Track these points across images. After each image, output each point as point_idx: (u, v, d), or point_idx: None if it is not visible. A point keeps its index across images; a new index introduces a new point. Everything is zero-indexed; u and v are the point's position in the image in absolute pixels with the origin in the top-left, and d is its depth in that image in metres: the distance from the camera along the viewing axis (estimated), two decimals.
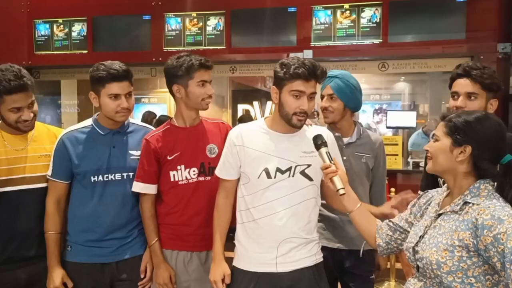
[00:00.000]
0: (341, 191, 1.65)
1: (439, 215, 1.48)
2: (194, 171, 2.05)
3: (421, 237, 1.49)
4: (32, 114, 1.99)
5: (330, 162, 1.69)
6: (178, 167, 2.04)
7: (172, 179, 2.05)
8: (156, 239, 2.06)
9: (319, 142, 1.75)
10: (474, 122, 1.42)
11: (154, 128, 2.19)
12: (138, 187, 2.05)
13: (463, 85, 1.87)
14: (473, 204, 1.38)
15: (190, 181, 2.05)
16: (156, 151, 2.04)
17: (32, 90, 1.98)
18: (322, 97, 2.24)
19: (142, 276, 2.10)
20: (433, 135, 1.54)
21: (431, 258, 1.39)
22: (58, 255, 2.03)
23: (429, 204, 1.58)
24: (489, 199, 1.37)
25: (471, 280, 1.34)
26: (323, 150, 1.73)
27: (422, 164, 3.85)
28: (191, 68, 2.00)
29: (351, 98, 2.21)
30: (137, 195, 2.09)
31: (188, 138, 2.07)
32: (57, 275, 2.00)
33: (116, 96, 1.98)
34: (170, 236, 2.08)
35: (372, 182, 2.28)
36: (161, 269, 2.04)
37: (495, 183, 1.42)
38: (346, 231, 2.22)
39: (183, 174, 2.04)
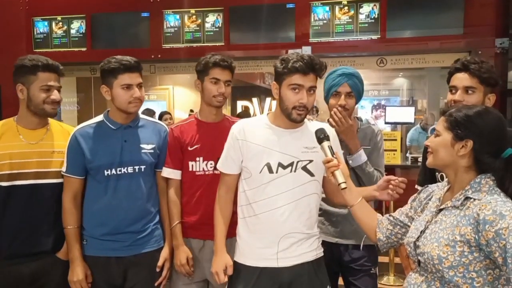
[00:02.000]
0: (343, 185, 1.67)
1: (440, 210, 1.48)
2: (211, 164, 2.16)
3: (422, 232, 1.49)
4: (60, 97, 2.07)
5: (332, 156, 1.70)
6: (197, 159, 2.17)
7: (190, 169, 2.17)
8: (177, 222, 2.16)
9: (321, 136, 1.76)
10: (475, 116, 1.41)
11: (163, 124, 2.30)
12: (165, 172, 2.18)
13: (461, 79, 1.88)
14: (475, 199, 1.38)
15: (207, 172, 2.16)
16: (178, 140, 2.18)
17: (60, 77, 2.11)
18: (336, 94, 2.21)
19: (158, 270, 2.13)
20: (433, 129, 1.54)
21: (433, 253, 1.39)
22: (80, 248, 2.06)
23: (429, 199, 1.59)
24: (490, 194, 1.37)
25: (472, 274, 1.34)
26: (325, 144, 1.74)
27: (420, 159, 3.87)
28: (207, 65, 2.13)
29: (361, 96, 2.27)
30: (150, 189, 2.15)
31: (209, 133, 2.19)
32: (80, 269, 2.03)
33: (128, 87, 2.04)
34: (184, 224, 2.18)
35: None
36: (179, 251, 2.13)
37: (496, 178, 1.42)
38: (345, 226, 2.23)
39: (200, 166, 2.16)
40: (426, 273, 1.46)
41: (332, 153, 1.71)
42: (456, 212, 1.41)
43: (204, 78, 2.15)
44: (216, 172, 2.11)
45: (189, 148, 2.17)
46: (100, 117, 2.14)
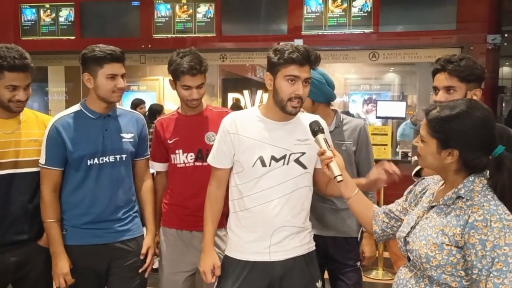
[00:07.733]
0: (339, 178, 1.63)
1: (432, 206, 1.46)
2: (191, 156, 2.16)
3: (413, 227, 1.47)
4: (26, 96, 2.00)
5: (327, 149, 1.67)
6: (177, 151, 2.18)
7: (172, 162, 2.20)
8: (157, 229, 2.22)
9: (315, 128, 1.72)
10: (456, 123, 1.36)
11: (139, 113, 2.32)
12: (150, 164, 2.27)
13: (441, 79, 1.85)
14: (467, 200, 1.36)
15: (187, 165, 2.16)
16: (159, 133, 2.22)
17: (32, 74, 2.01)
18: None
19: (141, 257, 2.12)
20: (418, 132, 1.50)
21: (421, 251, 1.38)
22: (62, 242, 2.03)
23: (424, 193, 1.57)
24: (483, 195, 1.35)
25: (461, 273, 1.33)
26: (320, 136, 1.71)
27: (410, 154, 3.88)
28: (176, 72, 2.11)
29: (318, 93, 2.17)
30: (130, 178, 2.16)
31: (188, 125, 2.20)
32: (65, 262, 2.02)
33: (113, 77, 2.02)
34: (170, 215, 2.20)
35: (358, 167, 2.29)
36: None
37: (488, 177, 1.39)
38: (327, 218, 2.23)
39: (181, 158, 2.17)
40: (415, 269, 1.46)
41: (327, 146, 1.69)
42: (447, 211, 1.39)
43: (176, 83, 2.14)
44: (197, 164, 2.14)
45: (169, 142, 2.19)
46: (76, 107, 2.11)
